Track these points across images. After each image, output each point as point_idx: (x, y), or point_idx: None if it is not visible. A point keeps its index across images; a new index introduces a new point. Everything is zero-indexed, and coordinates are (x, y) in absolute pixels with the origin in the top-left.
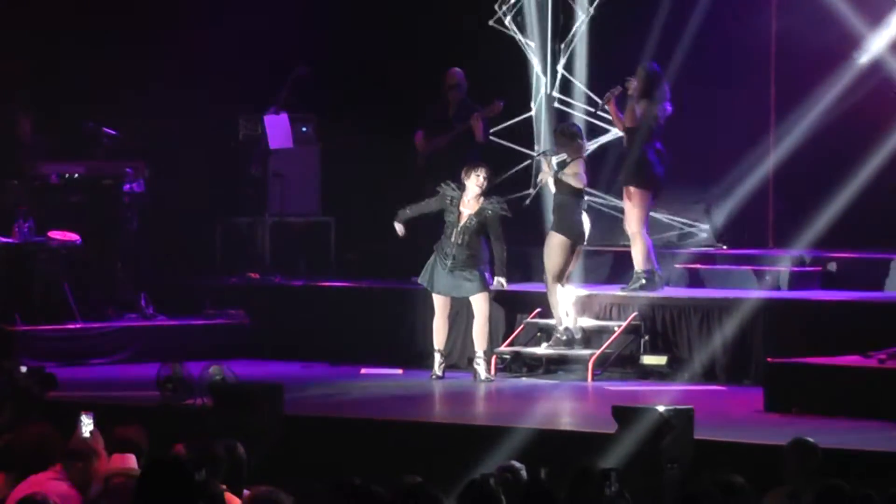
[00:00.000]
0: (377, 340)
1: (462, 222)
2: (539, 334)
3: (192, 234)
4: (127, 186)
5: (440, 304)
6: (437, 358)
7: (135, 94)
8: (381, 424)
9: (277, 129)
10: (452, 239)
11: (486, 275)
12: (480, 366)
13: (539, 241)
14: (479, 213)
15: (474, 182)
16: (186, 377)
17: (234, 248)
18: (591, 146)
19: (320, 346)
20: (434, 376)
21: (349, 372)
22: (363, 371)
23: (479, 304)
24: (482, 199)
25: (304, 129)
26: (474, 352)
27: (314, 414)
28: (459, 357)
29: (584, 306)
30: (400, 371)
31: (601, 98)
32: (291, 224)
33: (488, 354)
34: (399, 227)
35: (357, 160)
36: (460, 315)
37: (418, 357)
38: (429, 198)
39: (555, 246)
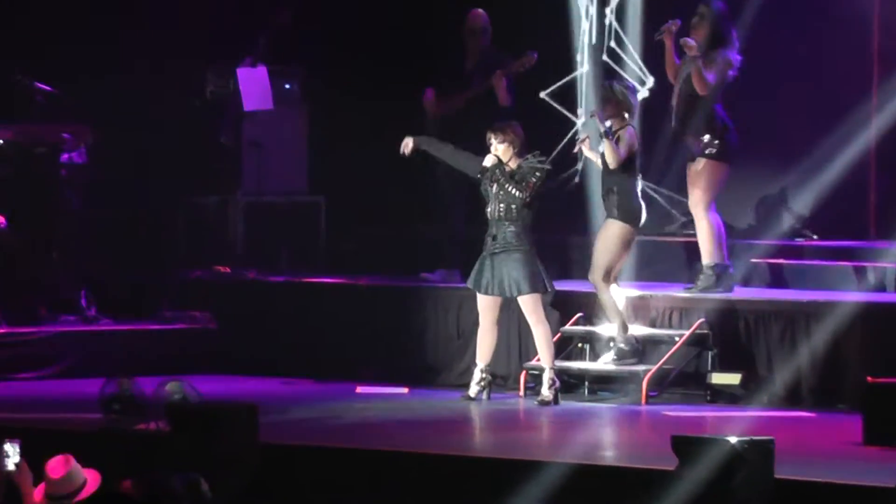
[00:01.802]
0: (377, 351)
1: (496, 189)
2: (581, 345)
3: (147, 216)
4: (65, 156)
5: (485, 306)
6: (477, 375)
7: (76, 42)
8: (380, 456)
9: (254, 85)
10: (490, 211)
11: (540, 268)
12: (544, 384)
13: (577, 228)
14: (514, 175)
15: (492, 151)
16: (137, 396)
17: (200, 234)
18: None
19: (306, 357)
20: (465, 397)
21: (342, 390)
22: (359, 390)
23: (530, 306)
24: (517, 160)
25: (287, 86)
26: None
27: (297, 443)
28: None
29: (637, 311)
30: (405, 390)
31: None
32: (271, 205)
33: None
34: (408, 144)
35: (353, 125)
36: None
37: (428, 372)
38: (441, 176)
39: (613, 236)
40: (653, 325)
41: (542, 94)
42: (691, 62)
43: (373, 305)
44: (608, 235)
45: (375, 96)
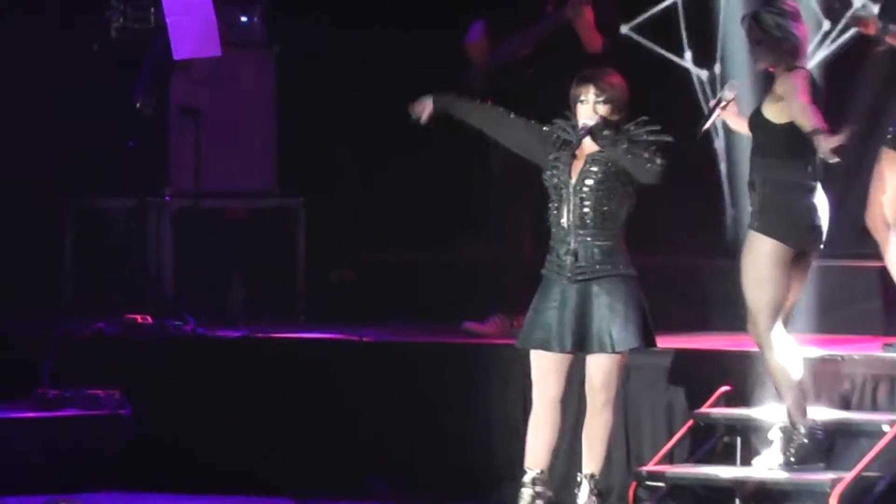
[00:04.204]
0: (392, 453)
1: (576, 178)
2: (727, 439)
3: (17, 230)
4: None
5: (549, 368)
6: (527, 493)
7: None
8: None
9: (189, 19)
10: (565, 217)
11: (646, 310)
12: (583, 494)
13: (714, 247)
14: (603, 150)
15: (586, 107)
16: None
17: (102, 260)
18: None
19: (275, 463)
20: None
21: None
22: None
23: (610, 371)
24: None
25: (243, 18)
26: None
27: None
28: (562, 480)
29: (820, 382)
30: None
31: None
32: (218, 213)
33: (597, 480)
34: (426, 107)
35: (346, 84)
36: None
37: (477, 486)
38: (498, 167)
39: (760, 257)
40: (846, 406)
41: (626, 29)
42: (883, 36)
43: (383, 375)
44: (750, 255)
45: (380, 37)
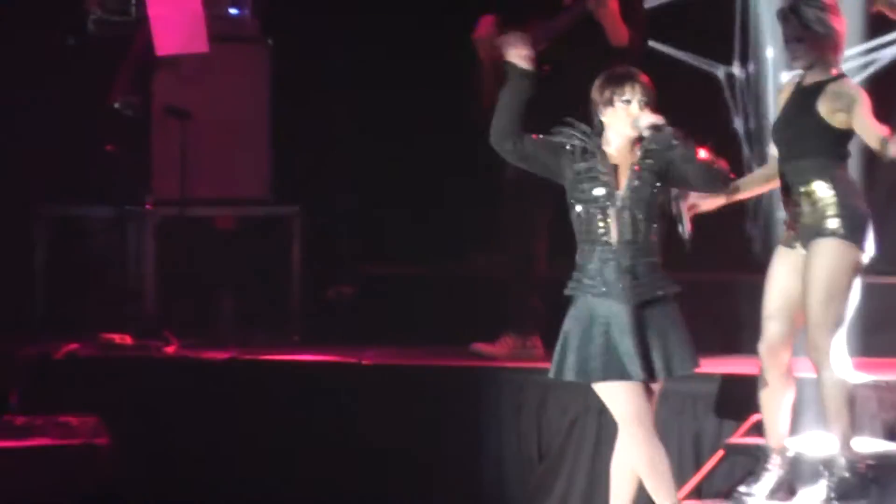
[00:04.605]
0: (393, 488)
1: (625, 188)
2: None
3: None
4: None
5: (642, 396)
6: None
7: None
8: None
9: (173, 12)
10: (614, 232)
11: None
12: None
13: (737, 258)
14: (650, 157)
15: (633, 107)
16: None
17: (76, 274)
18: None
19: (270, 500)
20: None
21: None
22: None
23: (657, 392)
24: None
25: (233, 10)
26: None
27: None
28: None
29: (861, 409)
30: None
31: None
32: (204, 223)
33: None
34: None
35: (347, 82)
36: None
37: None
38: (510, 175)
39: (844, 267)
40: (892, 436)
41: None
42: None
43: (383, 401)
44: (834, 270)
45: (384, 33)
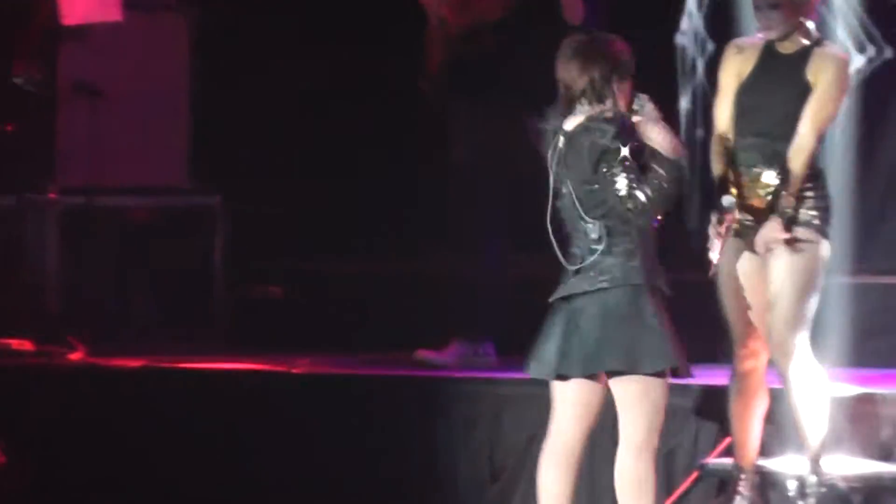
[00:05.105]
0: None
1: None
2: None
3: None
4: None
5: (563, 404)
6: None
7: None
8: None
9: None
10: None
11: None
12: None
13: (684, 257)
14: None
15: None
16: None
17: None
18: None
19: None
20: None
21: None
22: None
23: (641, 395)
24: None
25: None
26: None
27: None
28: None
29: (851, 424)
30: None
31: None
32: (117, 213)
33: None
34: None
35: (279, 51)
36: None
37: None
38: (459, 160)
39: (817, 263)
40: (886, 456)
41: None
42: None
43: (316, 415)
44: (807, 266)
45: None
